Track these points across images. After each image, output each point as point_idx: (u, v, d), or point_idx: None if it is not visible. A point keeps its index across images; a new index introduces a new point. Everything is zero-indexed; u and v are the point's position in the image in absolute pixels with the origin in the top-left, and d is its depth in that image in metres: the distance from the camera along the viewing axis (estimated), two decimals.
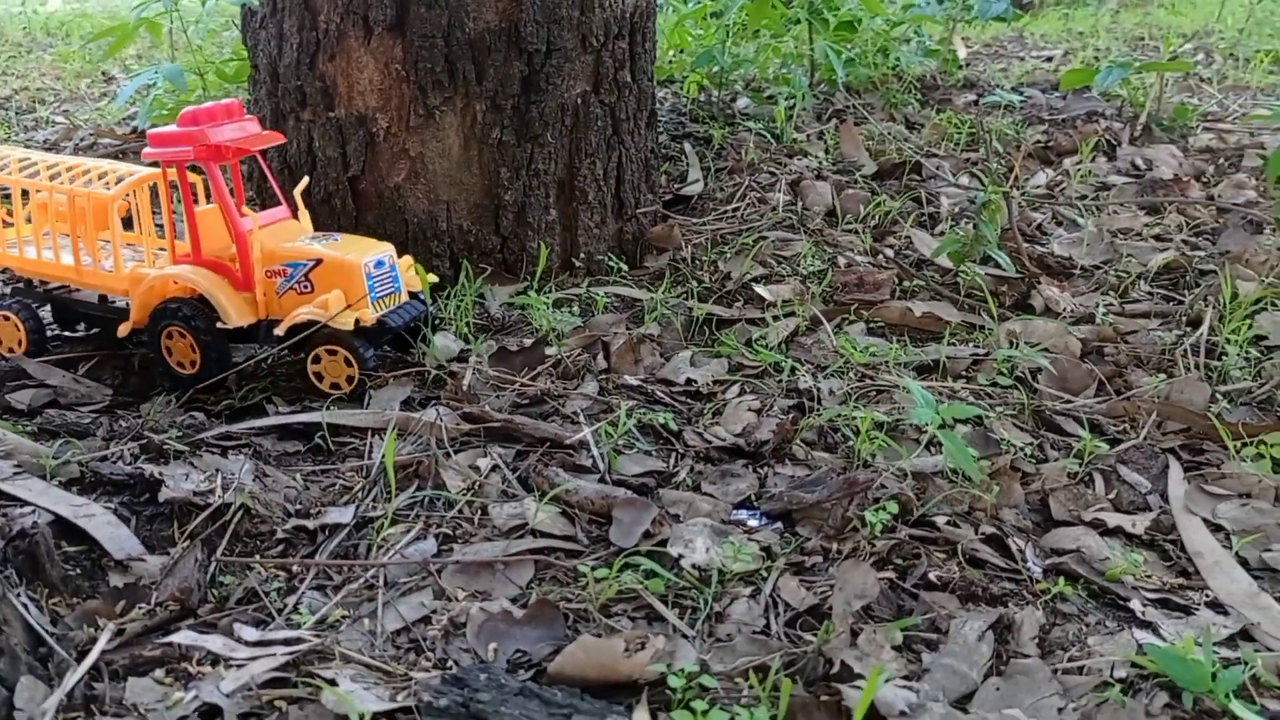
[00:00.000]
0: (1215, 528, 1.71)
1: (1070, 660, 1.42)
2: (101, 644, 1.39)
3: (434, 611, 1.50)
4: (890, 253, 2.72)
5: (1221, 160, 3.52)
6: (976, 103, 4.18)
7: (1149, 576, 1.60)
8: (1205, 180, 3.36)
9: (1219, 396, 2.06)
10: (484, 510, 1.72)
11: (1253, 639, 1.47)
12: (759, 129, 3.60)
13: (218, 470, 1.76)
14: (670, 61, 4.54)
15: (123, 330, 2.15)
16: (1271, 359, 2.19)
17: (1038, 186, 3.29)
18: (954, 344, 2.28)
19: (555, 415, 2.00)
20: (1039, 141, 3.67)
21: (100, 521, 1.61)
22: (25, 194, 2.27)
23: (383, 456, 1.79)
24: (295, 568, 1.59)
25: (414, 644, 1.45)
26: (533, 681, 1.35)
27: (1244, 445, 1.88)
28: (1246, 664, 1.38)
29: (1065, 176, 3.36)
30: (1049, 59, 5.54)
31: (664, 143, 3.57)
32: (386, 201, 2.56)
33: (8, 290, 2.45)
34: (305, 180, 2.32)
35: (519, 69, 2.48)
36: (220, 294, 2.06)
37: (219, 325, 2.06)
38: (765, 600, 1.53)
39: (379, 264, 2.08)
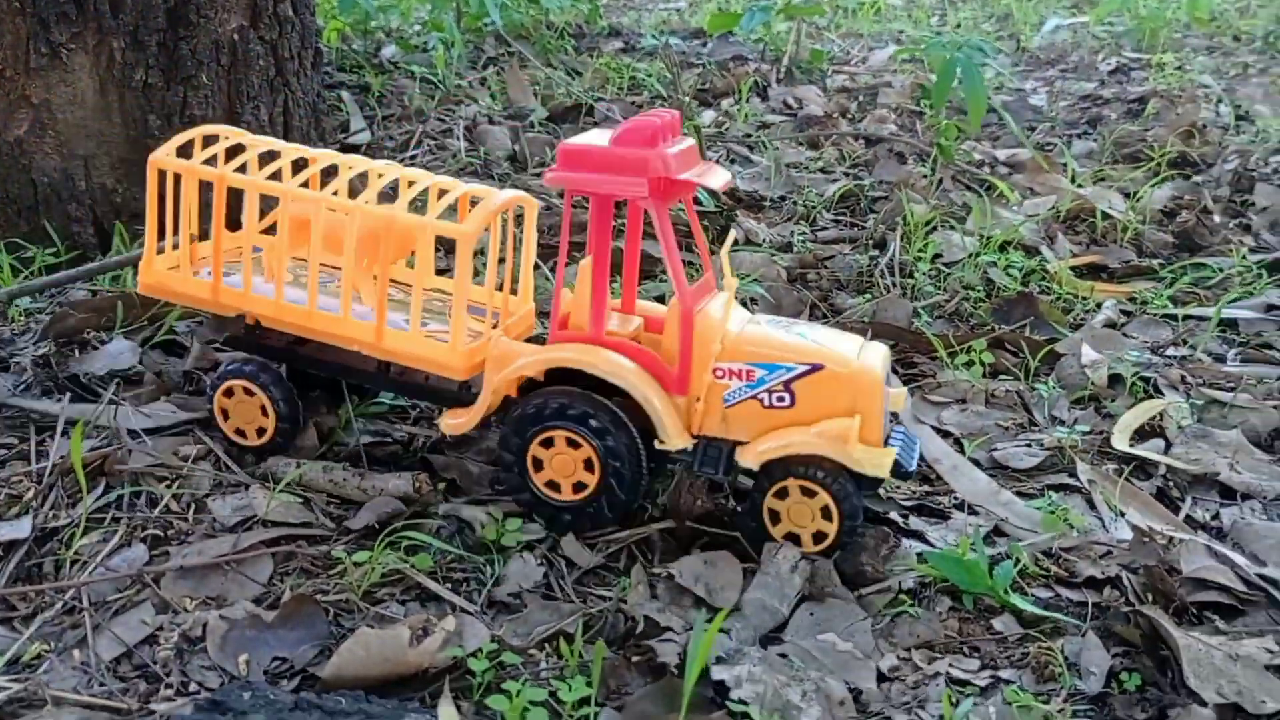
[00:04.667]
0: (944, 434, 1.79)
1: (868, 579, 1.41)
2: None
3: (160, 628, 1.26)
4: None
5: (860, 97, 3.75)
6: (626, 49, 4.20)
7: (898, 488, 1.64)
8: (850, 116, 3.56)
9: (919, 311, 2.17)
10: (199, 505, 1.47)
11: (1005, 534, 1.53)
12: (422, 73, 3.40)
13: None
14: None
15: (461, 423, 1.48)
16: (951, 273, 2.33)
17: (706, 126, 3.34)
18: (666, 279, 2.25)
19: None
20: (694, 85, 3.74)
21: None
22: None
23: (62, 454, 1.49)
24: None
25: (142, 670, 1.21)
26: (307, 691, 1.16)
27: (954, 354, 1.98)
28: (1013, 558, 1.43)
29: (728, 117, 3.44)
30: (677, 10, 5.70)
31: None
32: (6, 159, 2.15)
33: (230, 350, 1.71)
34: (733, 235, 1.70)
35: None
36: (656, 400, 1.41)
37: (657, 444, 1.42)
38: (547, 560, 1.41)
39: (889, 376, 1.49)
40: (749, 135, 3.26)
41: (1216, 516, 1.59)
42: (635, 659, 1.23)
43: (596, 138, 1.41)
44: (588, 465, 1.43)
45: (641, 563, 1.41)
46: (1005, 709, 1.20)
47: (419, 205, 1.55)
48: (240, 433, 1.58)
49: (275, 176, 1.56)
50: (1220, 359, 2.05)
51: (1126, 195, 2.86)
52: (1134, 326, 2.19)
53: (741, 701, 1.18)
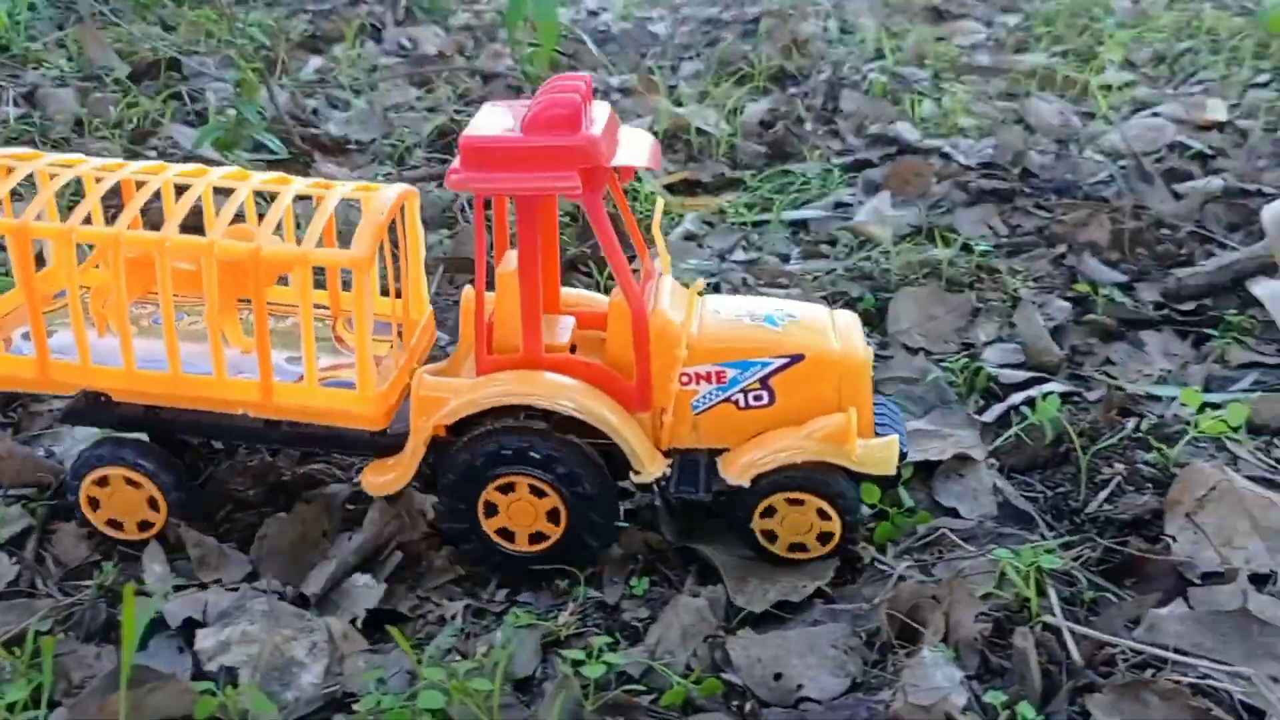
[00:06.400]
0: None
1: None
2: None
3: None
4: (154, 154, 2.45)
5: (480, 35, 3.68)
6: (240, 1, 3.95)
7: None
8: (467, 54, 3.48)
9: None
10: None
11: None
12: None
13: None
14: None
15: (389, 481, 1.25)
16: None
17: (310, 74, 3.18)
18: None
19: None
20: (305, 32, 3.55)
21: None
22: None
23: None
24: None
25: None
26: None
27: None
28: None
29: (335, 62, 3.29)
30: None
31: None
32: None
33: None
34: (661, 204, 1.41)
35: None
36: (620, 424, 1.21)
37: (633, 476, 1.23)
38: (38, 556, 1.27)
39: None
40: (357, 79, 3.12)
41: None
42: (100, 646, 1.12)
43: (500, 122, 1.19)
44: (555, 509, 1.24)
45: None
46: (509, 630, 1.18)
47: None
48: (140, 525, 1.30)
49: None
50: (785, 258, 2.13)
51: (735, 112, 2.93)
52: (713, 236, 2.23)
53: (229, 669, 1.10)
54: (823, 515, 1.24)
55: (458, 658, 1.13)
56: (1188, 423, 1.45)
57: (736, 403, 1.24)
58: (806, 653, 1.12)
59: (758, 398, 1.24)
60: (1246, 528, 1.23)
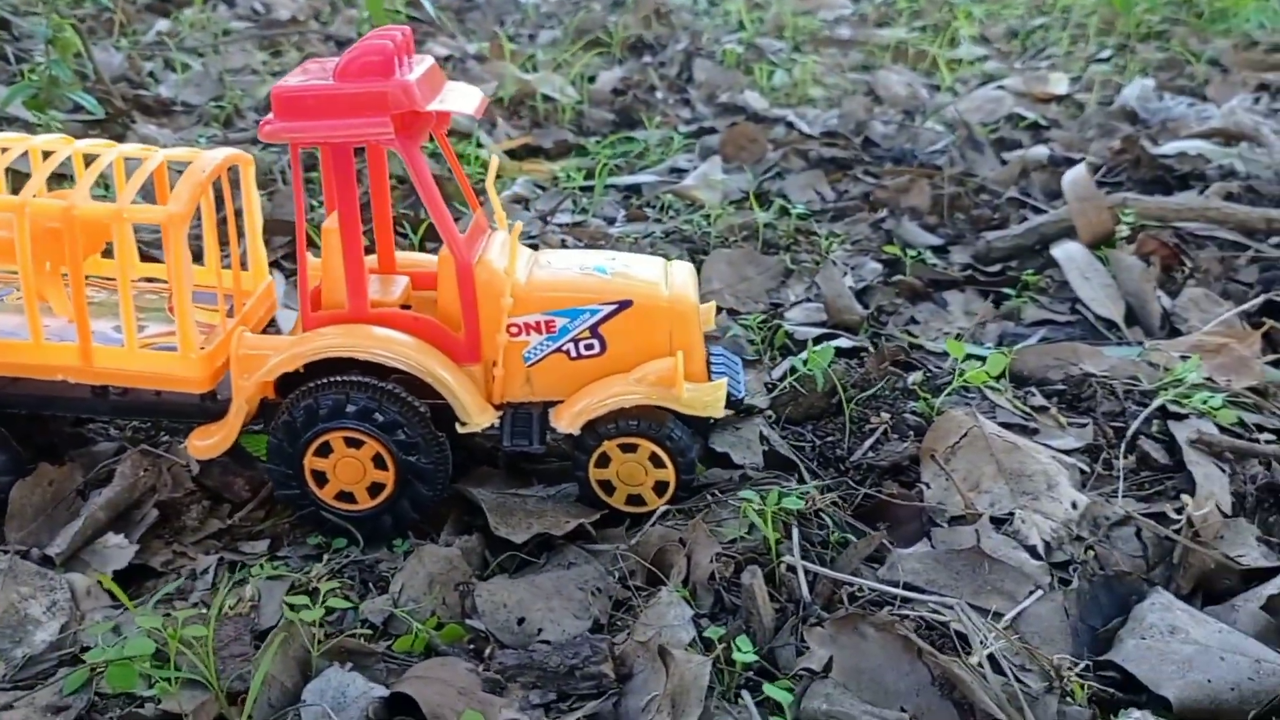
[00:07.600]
0: None
1: None
2: None
3: None
4: None
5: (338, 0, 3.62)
6: None
7: None
8: (322, 19, 3.42)
9: (314, 205, 2.09)
10: None
11: None
12: None
13: None
14: None
15: (214, 444, 1.23)
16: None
17: (152, 37, 3.09)
18: None
19: None
20: None
21: None
22: None
23: None
24: None
25: None
26: None
27: None
28: None
29: (184, 25, 3.21)
30: None
31: None
32: None
33: None
34: (496, 162, 1.39)
35: None
36: (447, 376, 1.20)
37: (459, 427, 1.22)
38: None
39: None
40: (201, 43, 3.05)
41: None
42: None
43: (316, 74, 1.16)
44: (378, 463, 1.21)
45: None
46: (266, 582, 1.16)
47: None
48: None
49: None
50: (611, 221, 2.13)
51: (588, 79, 2.93)
52: (542, 200, 2.23)
53: None
54: (657, 463, 1.24)
55: (205, 609, 1.12)
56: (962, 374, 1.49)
57: (568, 352, 1.24)
58: (553, 595, 1.13)
59: (589, 347, 1.24)
60: (992, 471, 1.26)
